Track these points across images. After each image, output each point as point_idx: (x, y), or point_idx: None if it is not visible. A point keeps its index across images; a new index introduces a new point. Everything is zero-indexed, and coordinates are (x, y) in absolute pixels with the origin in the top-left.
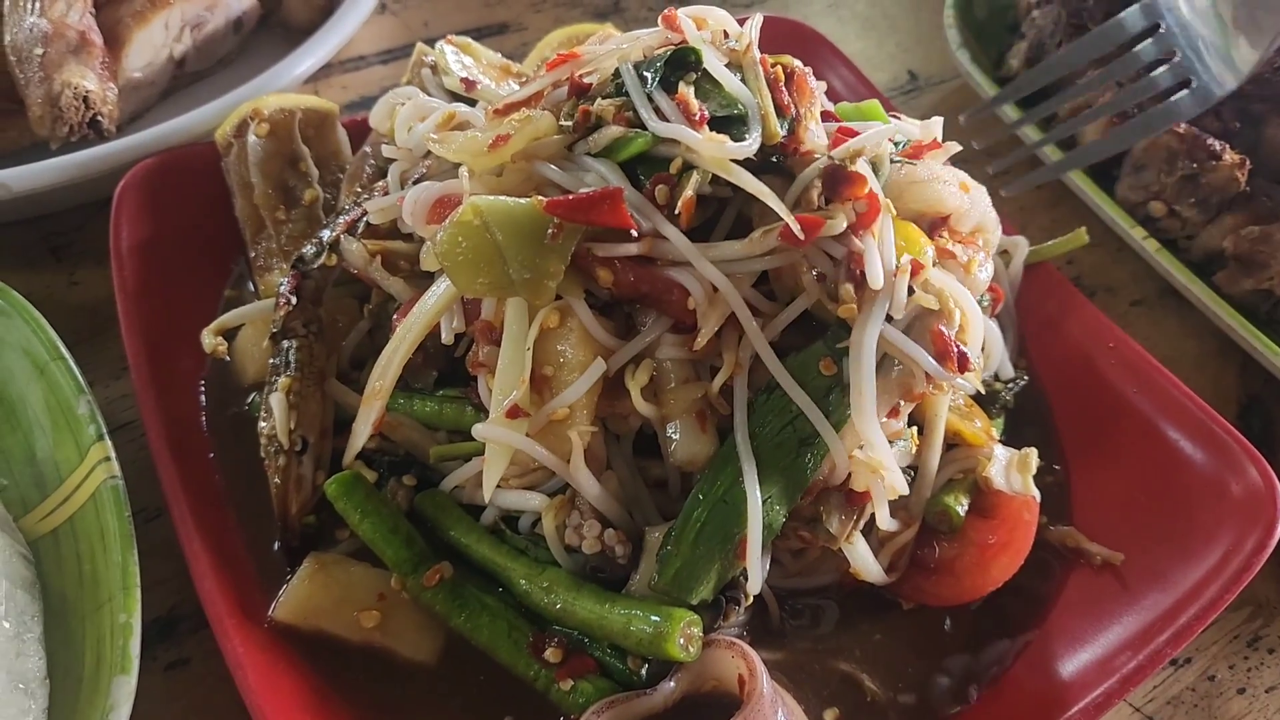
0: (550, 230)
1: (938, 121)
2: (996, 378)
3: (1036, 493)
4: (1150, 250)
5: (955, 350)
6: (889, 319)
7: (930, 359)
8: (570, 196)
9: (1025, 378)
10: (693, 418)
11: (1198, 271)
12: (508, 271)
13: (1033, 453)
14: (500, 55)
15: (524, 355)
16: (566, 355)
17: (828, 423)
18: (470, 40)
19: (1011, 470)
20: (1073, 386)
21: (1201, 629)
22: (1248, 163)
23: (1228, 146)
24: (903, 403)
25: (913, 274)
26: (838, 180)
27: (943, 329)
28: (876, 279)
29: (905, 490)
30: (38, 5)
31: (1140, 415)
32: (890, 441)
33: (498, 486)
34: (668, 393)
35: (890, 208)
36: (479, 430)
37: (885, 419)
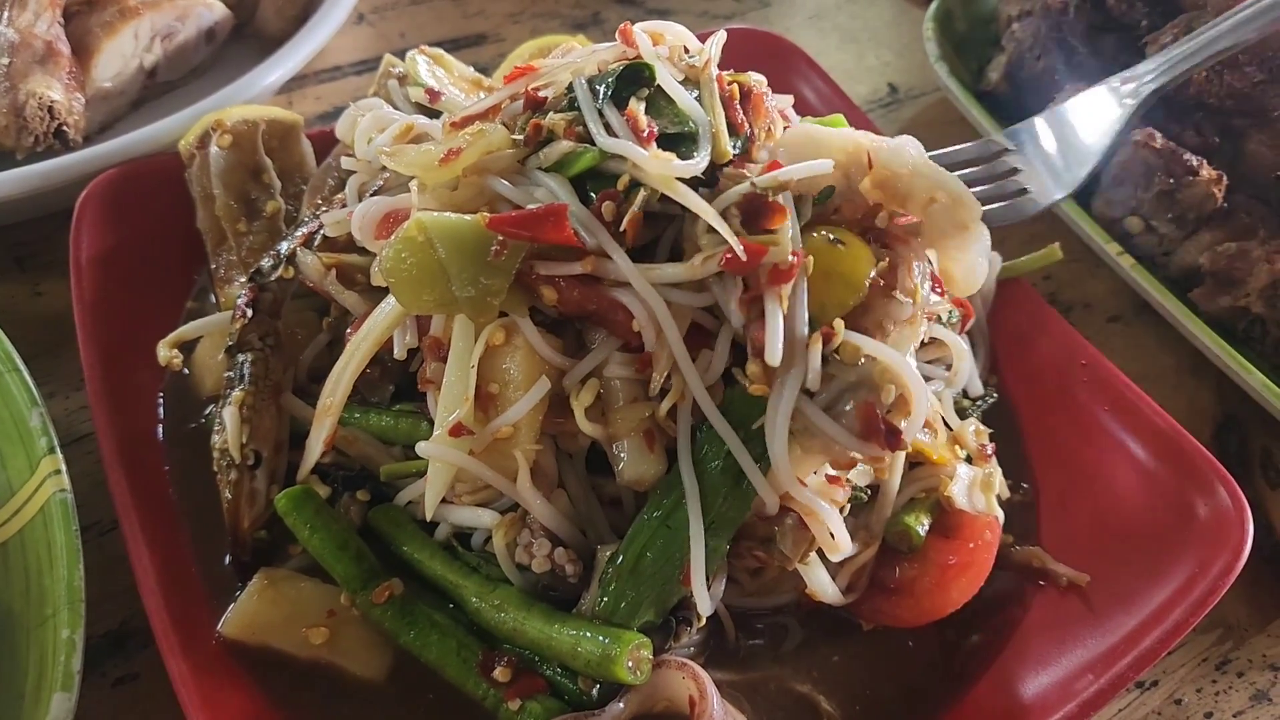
0: (494, 247)
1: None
2: (965, 395)
3: (1000, 513)
4: (1126, 267)
5: (884, 427)
6: (807, 392)
7: (853, 438)
8: (513, 213)
9: (994, 395)
10: (640, 437)
11: (1174, 288)
12: (451, 288)
13: (997, 472)
14: (473, 69)
15: (468, 373)
16: (511, 373)
17: (755, 466)
18: (442, 52)
19: (975, 490)
20: (1043, 404)
21: (1166, 652)
22: (1225, 178)
23: (1205, 162)
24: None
25: (825, 342)
26: (756, 211)
27: (871, 402)
28: (774, 355)
29: (846, 549)
30: (5, 15)
31: (1110, 435)
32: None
33: (449, 502)
34: (615, 412)
35: (807, 267)
36: (421, 448)
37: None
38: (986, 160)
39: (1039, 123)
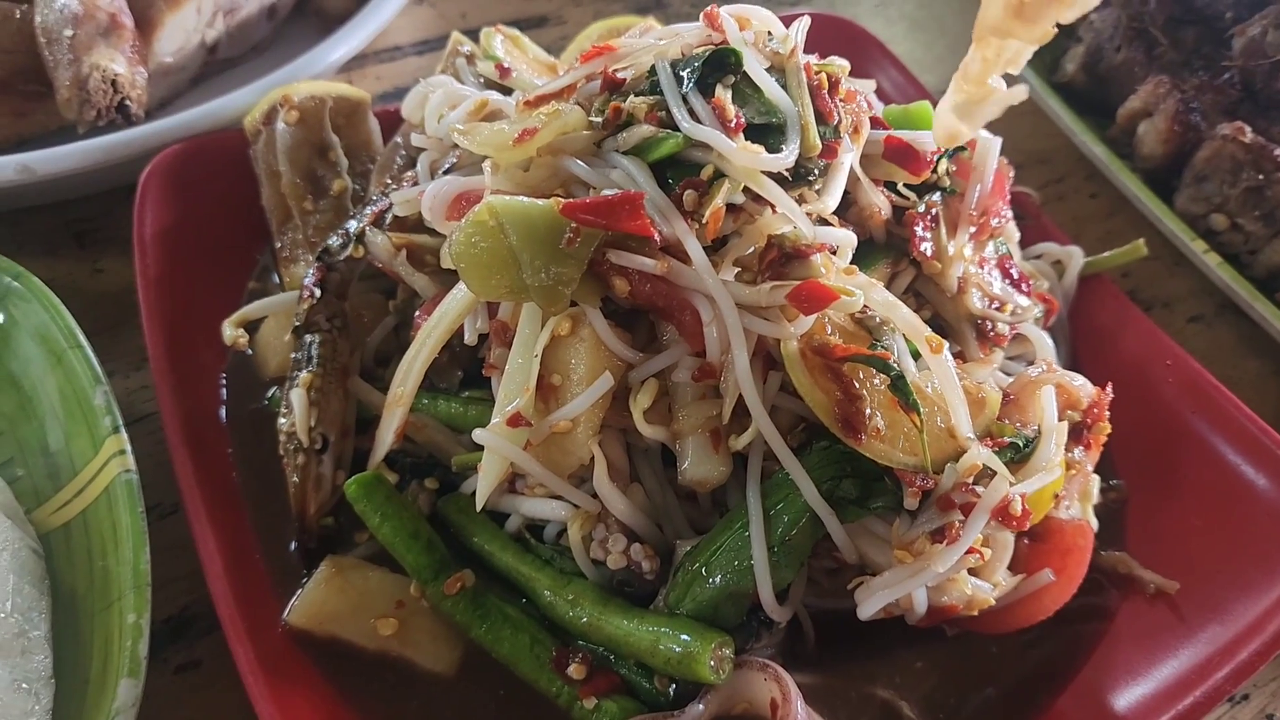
0: (567, 234)
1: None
2: None
3: (1094, 520)
4: (1212, 264)
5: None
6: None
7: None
8: (588, 199)
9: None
10: (706, 436)
11: (1261, 288)
12: (522, 275)
13: (1095, 480)
14: (545, 52)
15: (532, 362)
16: (575, 365)
17: (840, 527)
18: (518, 33)
19: (1070, 496)
20: (1127, 404)
21: (1263, 665)
22: None
23: None
24: None
25: None
26: (786, 259)
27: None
28: None
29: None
30: None
31: (1198, 436)
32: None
33: (520, 494)
34: (681, 408)
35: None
36: (478, 434)
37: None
38: None
39: None
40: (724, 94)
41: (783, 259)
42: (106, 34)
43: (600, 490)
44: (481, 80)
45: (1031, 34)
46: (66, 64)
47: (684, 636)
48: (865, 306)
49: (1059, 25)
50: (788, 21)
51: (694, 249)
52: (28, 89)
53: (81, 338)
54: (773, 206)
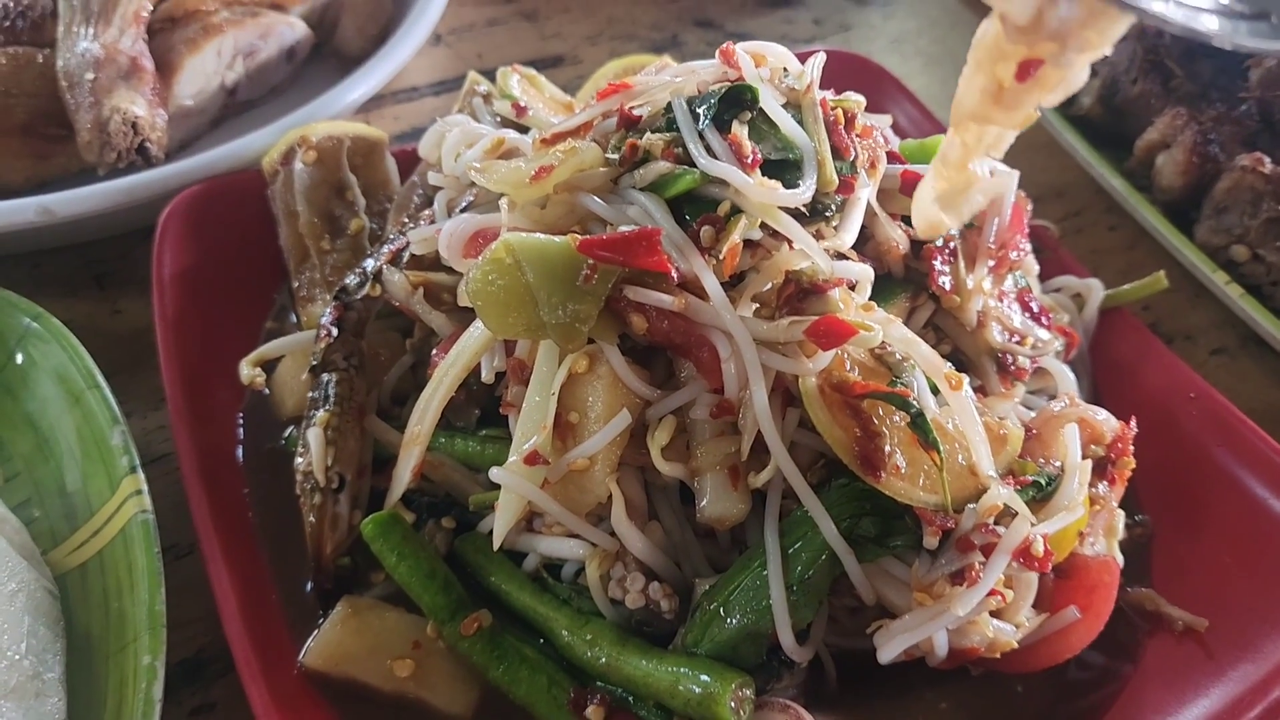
0: (584, 271)
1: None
2: None
3: (1120, 557)
4: (1234, 296)
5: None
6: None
7: None
8: (604, 236)
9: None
10: (724, 474)
11: None
12: (539, 313)
13: (1118, 516)
14: (561, 91)
15: (549, 400)
16: (592, 403)
17: (858, 567)
18: (535, 73)
19: (1096, 533)
20: (1150, 438)
21: None
22: None
23: None
24: None
25: None
26: (804, 294)
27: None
28: None
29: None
30: (91, 30)
31: (1224, 470)
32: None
33: (538, 532)
34: (699, 445)
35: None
36: (495, 473)
37: None
38: None
39: None
40: (740, 130)
41: (800, 294)
42: (127, 77)
43: (618, 528)
44: (498, 119)
45: (1012, 119)
46: (87, 107)
47: (704, 677)
48: (884, 343)
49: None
50: (803, 58)
51: (711, 285)
52: (49, 132)
53: (100, 378)
54: (790, 242)
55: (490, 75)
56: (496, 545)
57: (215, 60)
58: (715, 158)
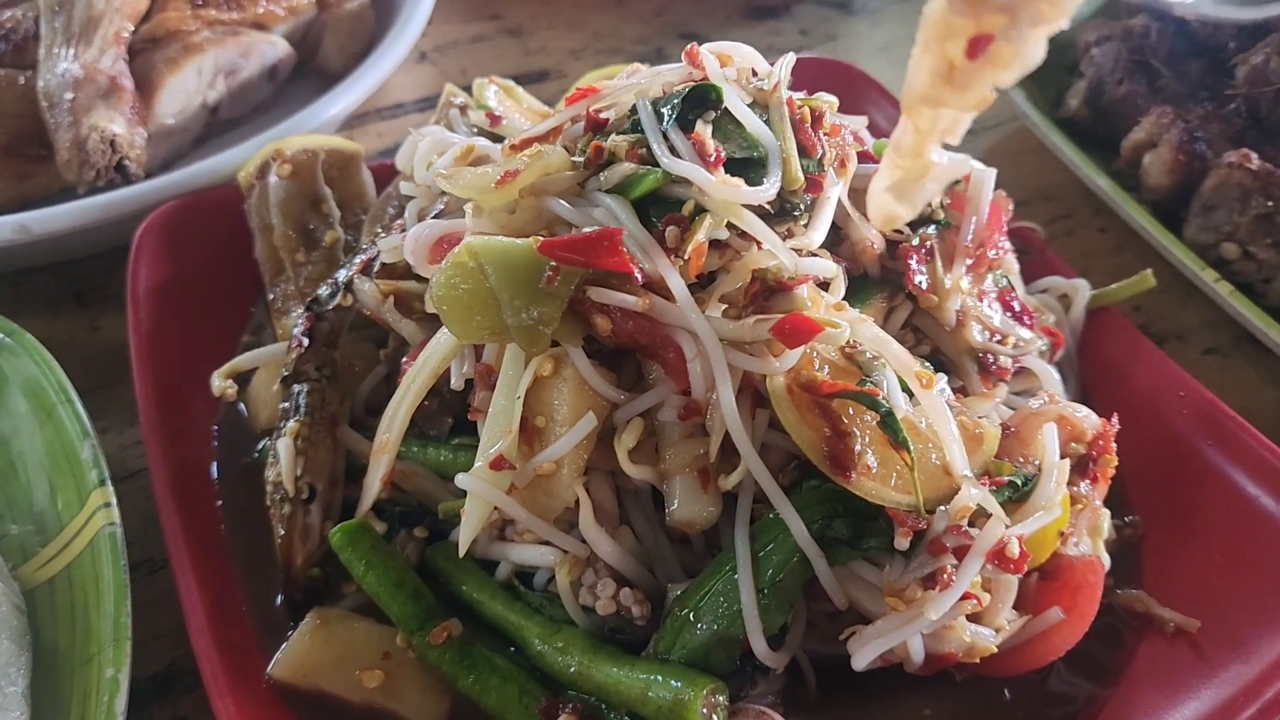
0: (547, 273)
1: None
2: None
3: (1106, 556)
4: (1224, 294)
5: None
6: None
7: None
8: (565, 237)
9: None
10: (694, 476)
11: (1276, 316)
12: (503, 316)
13: (1104, 515)
14: (540, 102)
15: (514, 404)
16: (558, 406)
17: (828, 570)
18: (513, 83)
19: (1080, 532)
20: (1140, 438)
21: None
22: None
23: None
24: None
25: None
26: (770, 292)
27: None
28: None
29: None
30: (71, 51)
31: (1216, 469)
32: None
33: (509, 540)
34: (667, 448)
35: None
36: (460, 480)
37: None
38: None
39: None
40: (704, 129)
41: (766, 292)
42: (106, 96)
43: (586, 533)
44: (475, 130)
45: (965, 101)
46: (66, 126)
47: (674, 683)
48: (855, 342)
49: (998, 90)
50: (774, 62)
51: (676, 284)
52: (30, 152)
53: (72, 393)
54: (759, 244)
55: (470, 89)
56: (462, 551)
57: (196, 79)
58: (679, 157)
